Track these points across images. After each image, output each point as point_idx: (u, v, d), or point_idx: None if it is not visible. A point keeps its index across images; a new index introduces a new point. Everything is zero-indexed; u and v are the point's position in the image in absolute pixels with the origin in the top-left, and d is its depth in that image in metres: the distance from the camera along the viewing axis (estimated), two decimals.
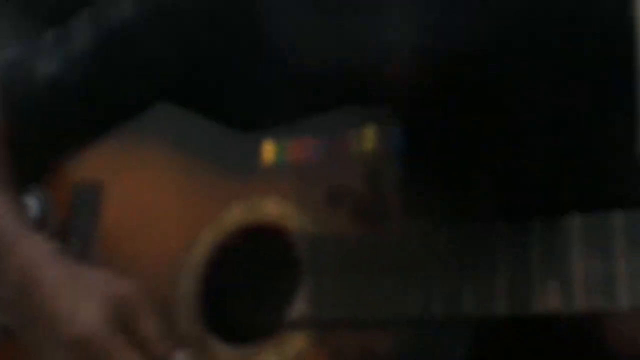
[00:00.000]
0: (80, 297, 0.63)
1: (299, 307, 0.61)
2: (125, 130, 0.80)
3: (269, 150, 0.70)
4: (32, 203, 0.83)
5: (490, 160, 0.65)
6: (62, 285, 0.65)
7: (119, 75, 0.80)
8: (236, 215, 0.68)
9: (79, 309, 0.62)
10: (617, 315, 0.50)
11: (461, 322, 0.55)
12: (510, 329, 0.55)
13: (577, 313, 0.51)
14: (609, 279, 0.50)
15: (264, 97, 0.74)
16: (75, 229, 0.78)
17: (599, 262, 0.51)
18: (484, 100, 0.68)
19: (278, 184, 0.68)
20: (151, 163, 0.77)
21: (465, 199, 0.61)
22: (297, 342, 0.60)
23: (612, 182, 0.70)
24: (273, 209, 0.67)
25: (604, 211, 0.53)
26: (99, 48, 0.80)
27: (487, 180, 0.64)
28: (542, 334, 0.56)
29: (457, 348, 0.54)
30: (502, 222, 0.56)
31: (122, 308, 0.63)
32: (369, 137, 0.65)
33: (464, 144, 0.66)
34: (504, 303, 0.53)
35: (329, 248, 0.62)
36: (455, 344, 0.54)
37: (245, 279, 0.66)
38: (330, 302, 0.60)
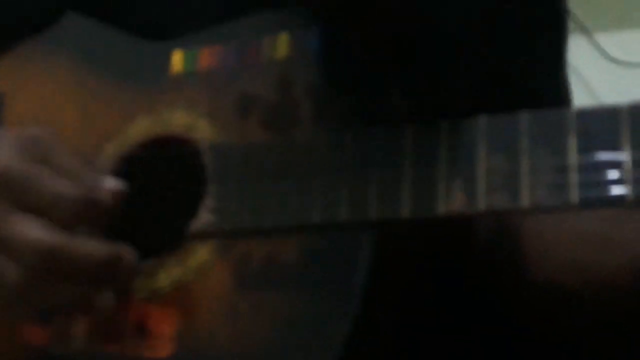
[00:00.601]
0: None
1: (203, 217, 0.60)
2: (32, 42, 0.77)
3: (177, 60, 0.67)
4: None
5: (405, 68, 0.64)
6: None
7: None
8: (142, 127, 0.66)
9: None
10: (519, 212, 0.50)
11: (366, 226, 0.54)
12: (414, 232, 0.54)
13: (480, 212, 0.50)
14: (512, 177, 0.50)
15: (175, 5, 0.72)
16: None
17: (502, 161, 0.51)
18: (402, 9, 0.66)
19: (187, 94, 0.65)
20: (56, 75, 0.74)
21: (378, 105, 0.60)
22: (201, 253, 0.59)
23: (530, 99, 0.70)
24: (181, 119, 0.65)
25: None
26: None
27: (401, 88, 0.63)
28: (445, 239, 0.55)
29: (361, 253, 0.53)
30: (409, 124, 0.55)
31: (36, 144, 0.60)
32: (282, 44, 0.63)
33: (379, 51, 0.64)
34: (408, 206, 0.52)
35: (235, 157, 0.60)
36: (358, 249, 0.53)
37: (149, 190, 0.64)
38: (235, 211, 0.58)
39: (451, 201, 0.51)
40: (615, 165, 0.49)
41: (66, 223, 0.56)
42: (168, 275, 0.60)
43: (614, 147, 0.48)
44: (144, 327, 0.60)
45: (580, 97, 2.13)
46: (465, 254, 0.56)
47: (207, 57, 0.66)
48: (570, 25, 0.79)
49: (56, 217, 0.56)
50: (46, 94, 0.73)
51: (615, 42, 2.06)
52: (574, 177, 0.49)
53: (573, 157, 0.49)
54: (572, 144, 0.50)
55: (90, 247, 0.56)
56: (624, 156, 0.48)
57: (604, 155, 0.49)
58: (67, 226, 0.56)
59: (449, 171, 0.52)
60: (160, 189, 0.64)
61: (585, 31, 2.02)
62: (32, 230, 0.56)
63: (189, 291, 0.58)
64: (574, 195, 0.49)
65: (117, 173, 0.64)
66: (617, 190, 0.48)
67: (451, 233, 0.54)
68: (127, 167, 0.64)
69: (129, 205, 0.64)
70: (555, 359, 0.62)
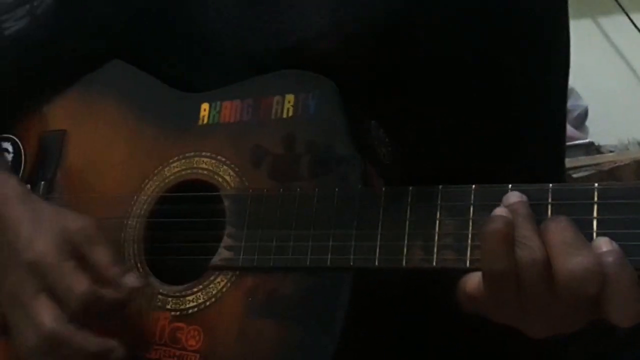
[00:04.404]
0: (38, 228, 0.74)
1: (222, 253, 0.73)
2: (83, 84, 0.89)
3: (204, 111, 0.80)
4: (8, 147, 0.94)
5: (398, 132, 0.73)
6: (25, 218, 0.75)
7: (75, 33, 0.89)
8: (175, 169, 0.79)
9: (36, 237, 0.72)
10: (463, 270, 0.61)
11: (347, 270, 0.66)
12: (385, 278, 0.66)
13: (434, 267, 0.62)
14: (460, 239, 0.61)
15: (205, 63, 0.83)
16: (42, 174, 0.89)
17: (455, 226, 0.62)
18: (397, 74, 0.76)
19: (211, 143, 0.78)
20: (106, 116, 0.86)
21: (371, 164, 0.71)
22: (219, 283, 0.72)
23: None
24: (206, 165, 0.77)
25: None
26: (60, 6, 0.89)
27: (392, 149, 0.73)
28: (410, 286, 0.67)
29: (342, 292, 0.65)
30: (386, 187, 0.66)
31: (75, 238, 0.73)
32: (288, 104, 0.74)
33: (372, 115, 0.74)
34: (381, 258, 0.65)
35: (247, 204, 0.73)
36: (341, 288, 0.66)
37: (181, 228, 0.77)
38: (246, 250, 0.71)
39: (413, 256, 0.63)
40: None
41: (74, 314, 0.69)
42: (194, 299, 0.73)
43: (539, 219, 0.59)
44: (177, 339, 0.74)
45: (623, 75, 2.17)
46: (423, 296, 0.68)
47: (228, 110, 0.78)
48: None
49: (67, 308, 0.70)
50: (99, 133, 0.86)
51: None
52: None
53: None
54: None
55: (83, 339, 0.69)
56: None
57: None
58: (75, 317, 0.69)
59: (413, 230, 0.64)
60: (189, 227, 0.77)
61: (624, 11, 2.05)
62: (41, 313, 0.70)
63: (210, 314, 0.72)
64: None
65: (155, 212, 0.78)
66: None
67: (414, 279, 0.66)
68: (163, 205, 0.78)
69: (165, 239, 0.77)
70: None
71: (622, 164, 1.40)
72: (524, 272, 0.56)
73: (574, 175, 1.36)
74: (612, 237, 0.56)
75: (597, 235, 0.57)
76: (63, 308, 0.70)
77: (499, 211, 0.58)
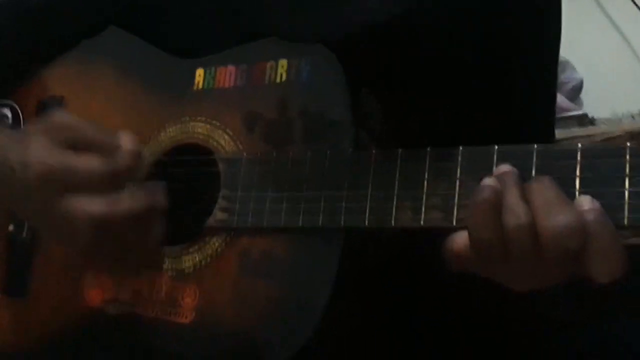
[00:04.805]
0: (23, 144, 0.72)
1: (217, 215, 0.75)
2: (81, 51, 0.91)
3: (199, 77, 0.81)
4: (7, 113, 0.96)
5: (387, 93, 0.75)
6: (5, 143, 0.73)
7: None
8: (171, 134, 0.81)
9: (27, 152, 0.71)
10: (450, 229, 0.63)
11: (338, 231, 0.68)
12: (374, 238, 0.68)
13: (421, 227, 0.64)
14: (446, 199, 0.63)
15: (201, 29, 0.85)
16: None
17: (442, 186, 0.64)
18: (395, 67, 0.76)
19: (206, 107, 0.79)
20: (103, 82, 0.88)
21: (363, 130, 0.72)
22: (214, 243, 0.74)
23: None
24: (201, 129, 0.79)
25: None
26: None
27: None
28: (399, 246, 0.69)
29: (333, 251, 0.67)
30: (376, 150, 0.68)
31: (62, 131, 0.72)
32: (282, 69, 0.75)
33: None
34: (370, 218, 0.66)
35: (241, 167, 0.74)
36: (332, 248, 0.67)
37: (178, 190, 0.79)
38: (241, 212, 0.73)
39: (401, 216, 0.65)
40: None
41: (106, 188, 0.70)
42: (190, 259, 0.75)
43: (524, 179, 0.61)
44: (173, 297, 0.76)
45: (618, 48, 2.18)
46: (411, 256, 0.70)
47: (222, 76, 0.79)
48: None
49: (96, 189, 0.70)
50: (96, 99, 0.87)
51: None
52: None
53: None
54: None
55: (130, 201, 0.70)
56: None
57: None
58: (107, 190, 0.70)
59: (402, 191, 0.65)
60: (184, 189, 0.79)
61: None
62: (81, 207, 0.69)
63: (205, 273, 0.74)
64: None
65: (152, 176, 0.79)
66: None
67: (402, 240, 0.67)
68: (159, 170, 0.79)
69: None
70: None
71: (613, 135, 1.41)
72: (511, 237, 0.58)
73: None
74: (594, 195, 0.58)
75: (580, 193, 0.59)
76: (92, 194, 0.70)
77: (488, 181, 0.60)
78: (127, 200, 0.71)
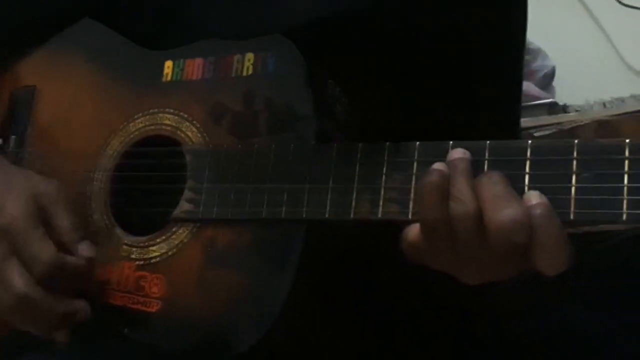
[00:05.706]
0: (9, 193, 0.77)
1: (183, 206, 0.76)
2: (54, 42, 0.92)
3: (168, 68, 0.83)
4: None
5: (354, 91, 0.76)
6: None
7: None
8: (139, 125, 0.82)
9: (7, 203, 0.76)
10: (405, 222, 0.65)
11: (300, 222, 0.70)
12: (334, 230, 0.70)
13: (379, 219, 0.66)
14: (403, 193, 0.65)
15: (172, 21, 0.86)
16: (13, 128, 0.92)
17: (399, 180, 0.66)
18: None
19: (175, 99, 0.81)
20: (76, 73, 0.89)
21: (328, 121, 0.74)
22: (180, 234, 0.76)
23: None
24: (169, 121, 0.80)
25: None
26: None
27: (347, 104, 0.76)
28: (358, 237, 0.71)
29: (296, 241, 0.69)
30: (338, 144, 0.70)
31: (42, 203, 0.77)
32: (248, 62, 0.77)
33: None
34: (331, 210, 0.68)
35: (208, 159, 0.76)
36: (294, 238, 0.70)
37: (145, 181, 0.80)
38: (206, 203, 0.75)
39: (360, 209, 0.67)
40: None
41: (41, 277, 0.74)
42: (157, 249, 0.77)
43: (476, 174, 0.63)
44: (140, 286, 0.78)
45: (591, 36, 2.19)
46: (371, 245, 0.72)
47: (191, 68, 0.81)
48: None
49: (34, 272, 0.74)
50: (68, 89, 0.89)
51: None
52: None
53: None
54: None
55: (52, 301, 0.74)
56: None
57: None
58: (42, 279, 0.74)
59: (361, 184, 0.68)
60: (152, 180, 0.80)
61: None
62: (12, 276, 0.74)
63: (172, 263, 0.76)
64: None
65: (120, 166, 0.81)
66: None
67: (362, 232, 0.70)
68: (127, 161, 0.81)
69: (130, 192, 0.81)
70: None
71: (582, 123, 1.44)
72: (457, 223, 0.60)
73: (536, 134, 1.40)
74: (542, 191, 0.60)
75: (529, 189, 0.61)
76: (31, 272, 0.74)
77: (437, 165, 0.62)
78: (50, 299, 0.74)
